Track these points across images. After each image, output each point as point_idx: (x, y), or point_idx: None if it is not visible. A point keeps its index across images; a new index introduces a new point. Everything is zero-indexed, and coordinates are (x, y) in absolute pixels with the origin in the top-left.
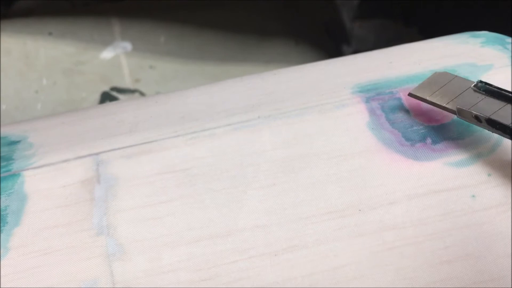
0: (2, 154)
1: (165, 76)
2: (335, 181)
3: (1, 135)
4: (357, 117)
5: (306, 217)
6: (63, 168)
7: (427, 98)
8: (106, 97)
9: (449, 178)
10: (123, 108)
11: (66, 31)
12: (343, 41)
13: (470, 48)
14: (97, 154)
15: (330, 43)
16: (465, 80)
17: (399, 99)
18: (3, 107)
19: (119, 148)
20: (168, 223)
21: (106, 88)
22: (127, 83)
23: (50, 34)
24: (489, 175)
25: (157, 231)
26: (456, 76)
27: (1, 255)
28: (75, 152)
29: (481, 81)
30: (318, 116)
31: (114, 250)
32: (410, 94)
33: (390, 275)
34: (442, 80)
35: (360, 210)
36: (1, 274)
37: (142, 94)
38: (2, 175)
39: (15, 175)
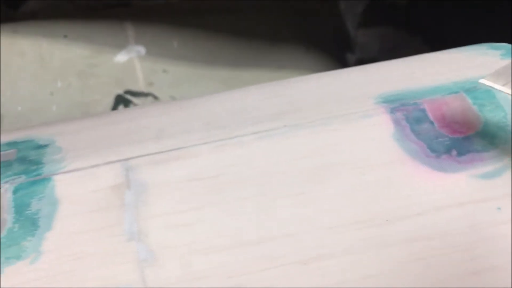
0: (31, 158)
1: (178, 80)
2: (362, 191)
3: (28, 139)
4: (382, 128)
5: (334, 226)
6: (93, 173)
7: (499, 87)
8: (120, 100)
9: (475, 190)
10: (147, 113)
11: (80, 34)
12: (346, 49)
13: (490, 60)
14: (126, 160)
15: (340, 50)
16: None
17: (424, 110)
18: (18, 108)
19: (147, 154)
20: (198, 230)
21: (120, 91)
22: (140, 87)
23: (65, 36)
24: None
25: (188, 238)
26: None
27: (34, 258)
28: (104, 157)
29: None
30: (344, 126)
31: (146, 256)
32: (480, 83)
33: (418, 285)
34: None
35: (387, 221)
36: (34, 278)
37: (155, 97)
38: (32, 179)
39: (46, 179)
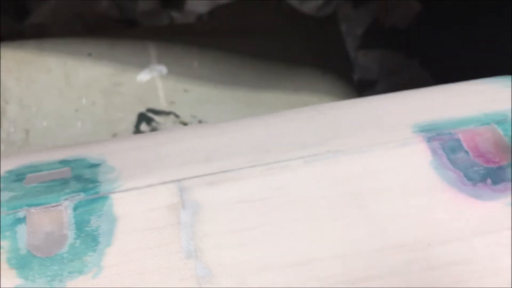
0: (86, 176)
1: (199, 100)
2: (404, 216)
3: (79, 157)
4: (420, 156)
5: (379, 249)
6: (149, 192)
7: None
8: (143, 118)
9: (510, 217)
10: (191, 135)
11: (104, 53)
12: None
13: None
14: (179, 180)
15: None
16: None
17: (459, 140)
18: (44, 124)
19: (199, 176)
20: (251, 250)
21: (142, 109)
22: (162, 105)
23: (89, 55)
24: None
25: (242, 257)
26: None
27: (96, 273)
28: (158, 177)
29: None
30: (384, 153)
31: (203, 273)
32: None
33: None
34: None
35: (429, 245)
36: None
37: (176, 116)
38: (91, 196)
39: (104, 198)
